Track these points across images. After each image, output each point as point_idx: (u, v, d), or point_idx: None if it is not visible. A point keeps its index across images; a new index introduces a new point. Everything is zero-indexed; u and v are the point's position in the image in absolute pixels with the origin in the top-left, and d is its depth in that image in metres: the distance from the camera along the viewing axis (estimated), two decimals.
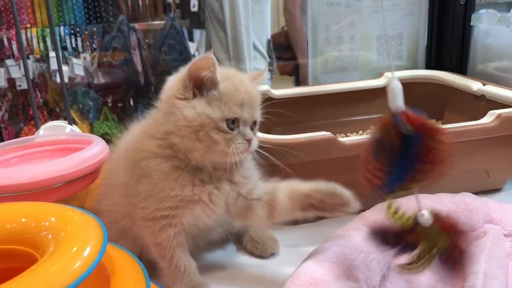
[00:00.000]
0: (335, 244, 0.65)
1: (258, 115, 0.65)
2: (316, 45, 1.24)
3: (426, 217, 0.55)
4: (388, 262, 0.66)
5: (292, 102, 1.07)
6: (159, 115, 0.63)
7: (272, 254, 0.75)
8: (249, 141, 0.62)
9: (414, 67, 1.31)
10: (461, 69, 1.27)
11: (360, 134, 1.11)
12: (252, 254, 0.75)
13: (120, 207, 0.68)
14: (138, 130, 0.69)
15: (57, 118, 2.43)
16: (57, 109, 2.56)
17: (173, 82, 0.63)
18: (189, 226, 0.65)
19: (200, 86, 0.60)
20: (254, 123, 0.65)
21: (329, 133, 0.74)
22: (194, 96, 0.60)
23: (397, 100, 0.58)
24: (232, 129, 0.61)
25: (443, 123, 1.07)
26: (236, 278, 0.70)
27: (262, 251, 0.75)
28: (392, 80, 0.58)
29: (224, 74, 0.62)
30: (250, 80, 0.66)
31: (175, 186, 0.61)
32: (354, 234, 0.67)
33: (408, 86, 1.11)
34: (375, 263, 0.63)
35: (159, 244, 0.64)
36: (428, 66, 1.31)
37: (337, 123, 1.13)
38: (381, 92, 1.13)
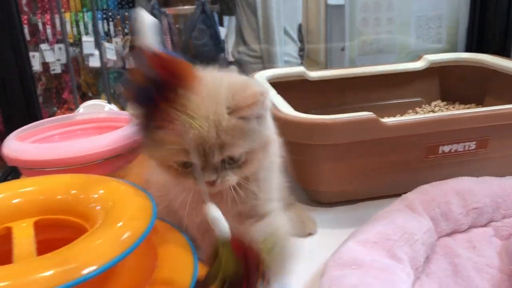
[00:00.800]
0: (377, 225, 0.64)
1: (230, 153, 0.50)
2: (353, 27, 1.22)
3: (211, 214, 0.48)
4: (432, 244, 0.65)
5: (328, 84, 1.06)
6: None
7: (310, 234, 0.74)
8: (210, 184, 0.51)
9: (453, 50, 1.28)
10: (504, 51, 1.22)
11: None
12: None
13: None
14: None
15: None
16: (90, 93, 2.60)
17: None
18: None
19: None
20: (230, 159, 0.51)
21: (371, 113, 0.72)
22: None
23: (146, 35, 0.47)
24: (188, 167, 0.51)
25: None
26: None
27: (300, 231, 0.74)
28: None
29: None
30: (229, 106, 0.50)
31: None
32: (397, 216, 0.66)
33: (447, 69, 1.11)
34: (419, 244, 0.62)
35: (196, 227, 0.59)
36: (468, 49, 1.27)
37: (373, 106, 1.11)
38: (419, 75, 1.11)
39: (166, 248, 0.50)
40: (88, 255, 0.40)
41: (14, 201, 0.49)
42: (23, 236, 0.46)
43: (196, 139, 0.48)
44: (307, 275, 0.63)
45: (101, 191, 0.49)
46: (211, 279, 0.46)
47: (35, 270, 0.38)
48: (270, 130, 0.56)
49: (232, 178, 0.52)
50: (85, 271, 0.38)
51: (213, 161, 0.49)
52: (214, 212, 0.48)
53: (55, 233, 0.50)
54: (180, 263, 0.49)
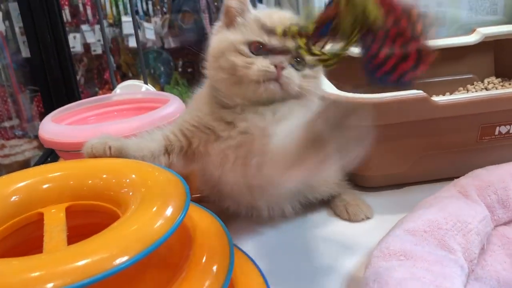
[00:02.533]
0: (427, 212, 0.59)
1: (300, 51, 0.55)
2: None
3: None
4: (488, 234, 0.60)
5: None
6: None
7: (367, 218, 0.70)
8: (277, 67, 0.54)
9: (510, 22, 1.19)
10: None
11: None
12: (340, 217, 0.70)
13: None
14: None
15: None
16: (130, 74, 2.61)
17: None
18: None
19: (231, 20, 0.59)
20: (298, 62, 0.57)
21: (421, 91, 0.67)
22: (229, 27, 0.59)
23: None
24: (255, 54, 0.56)
25: None
26: (318, 241, 0.66)
27: (353, 215, 0.69)
28: None
29: (264, 10, 0.62)
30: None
31: (205, 110, 0.60)
32: (448, 202, 0.61)
33: (503, 43, 1.02)
34: (474, 234, 0.57)
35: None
36: None
37: (422, 83, 1.04)
38: (471, 50, 1.04)
39: (201, 236, 0.48)
40: (120, 245, 0.38)
41: (45, 186, 0.48)
42: (54, 222, 0.45)
43: (279, 19, 0.56)
44: (352, 263, 0.60)
45: (133, 176, 0.47)
46: (342, 26, 0.41)
47: (66, 260, 0.36)
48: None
49: (296, 79, 0.56)
50: (117, 262, 0.36)
51: (289, 50, 0.55)
52: None
53: (87, 219, 0.49)
54: (216, 249, 0.47)
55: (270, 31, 0.54)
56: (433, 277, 0.49)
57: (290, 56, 0.56)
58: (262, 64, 0.54)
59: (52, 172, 0.49)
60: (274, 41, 0.55)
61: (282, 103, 0.57)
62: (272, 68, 0.54)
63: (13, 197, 0.46)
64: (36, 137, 2.28)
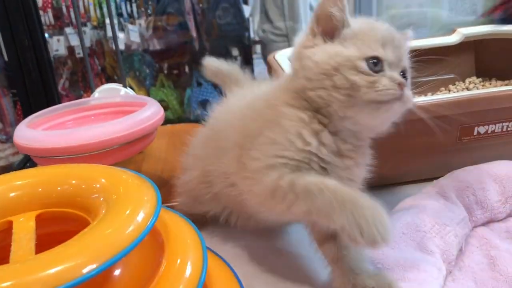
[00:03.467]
0: (405, 214, 0.59)
1: (406, 62, 0.53)
2: (382, 1, 1.15)
3: None
4: (466, 235, 0.60)
5: None
6: (289, 77, 0.55)
7: None
8: (400, 85, 0.49)
9: (490, 22, 1.19)
10: None
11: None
12: None
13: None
14: (257, 96, 0.59)
15: None
16: (115, 77, 2.59)
17: (300, 36, 0.55)
18: None
19: (329, 30, 0.52)
20: (403, 72, 0.52)
21: None
22: (325, 42, 0.52)
23: None
24: (375, 72, 0.49)
25: None
26: (297, 245, 0.66)
27: None
28: None
29: (361, 19, 0.53)
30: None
31: (310, 140, 0.50)
32: (427, 204, 0.61)
33: (483, 43, 1.03)
34: (452, 236, 0.57)
35: (272, 188, 0.50)
36: (506, 21, 1.19)
37: None
38: (452, 51, 1.04)
39: (174, 240, 0.47)
40: (88, 252, 0.37)
41: (13, 193, 0.46)
42: (23, 231, 0.43)
43: (393, 31, 0.52)
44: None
45: (103, 181, 0.46)
46: None
47: (33, 269, 0.35)
48: None
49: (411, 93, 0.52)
50: (86, 270, 0.35)
51: (402, 62, 0.52)
52: None
53: (58, 226, 0.48)
54: (189, 256, 0.46)
55: (385, 43, 0.50)
56: (409, 284, 0.49)
57: (401, 68, 0.52)
58: (387, 83, 0.48)
59: (20, 180, 0.48)
60: (390, 55, 0.50)
61: None
62: (398, 87, 0.49)
63: None
64: None
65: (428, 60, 1.04)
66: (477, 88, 1.01)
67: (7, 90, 2.35)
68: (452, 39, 1.03)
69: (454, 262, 0.55)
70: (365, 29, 0.51)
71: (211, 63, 0.77)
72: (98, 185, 0.46)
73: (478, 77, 1.05)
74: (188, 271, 0.44)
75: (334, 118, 0.51)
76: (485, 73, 1.05)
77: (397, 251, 0.52)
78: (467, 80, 1.05)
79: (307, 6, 2.08)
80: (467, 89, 1.02)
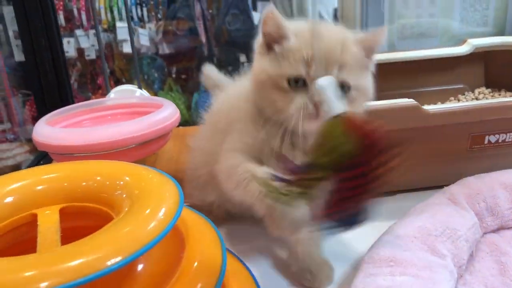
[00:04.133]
0: (417, 219, 0.60)
1: (349, 77, 0.53)
2: (393, 10, 1.17)
3: (322, 83, 0.47)
4: (477, 241, 0.61)
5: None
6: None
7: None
8: (316, 105, 0.50)
9: (501, 33, 1.20)
10: None
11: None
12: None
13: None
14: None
15: None
16: (123, 79, 2.61)
17: (258, 39, 0.59)
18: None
19: (271, 41, 0.55)
20: (341, 86, 0.52)
21: (412, 100, 0.68)
22: (269, 51, 0.55)
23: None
24: (295, 90, 0.52)
25: None
26: None
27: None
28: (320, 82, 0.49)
29: (302, 28, 0.54)
30: (353, 41, 0.55)
31: (263, 132, 0.56)
32: (439, 209, 0.62)
33: (493, 54, 1.04)
34: (463, 241, 0.58)
35: (231, 172, 0.57)
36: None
37: (412, 93, 1.06)
38: (462, 61, 1.05)
39: (194, 237, 0.48)
40: (113, 245, 0.38)
41: (39, 187, 0.48)
42: (48, 224, 0.45)
43: (322, 49, 0.50)
44: (343, 269, 0.60)
45: (127, 178, 0.47)
46: (317, 162, 0.41)
47: (60, 260, 0.36)
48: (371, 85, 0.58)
49: (340, 107, 0.48)
50: (110, 262, 0.36)
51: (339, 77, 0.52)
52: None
53: (81, 221, 0.49)
54: (208, 253, 0.47)
55: (309, 62, 0.51)
56: (422, 283, 0.49)
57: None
58: (300, 102, 0.52)
59: (46, 174, 0.49)
60: (313, 72, 0.51)
61: None
62: (311, 107, 0.51)
63: (7, 198, 0.46)
64: (28, 141, 2.27)
65: (438, 70, 1.06)
66: (486, 98, 1.02)
67: (16, 91, 2.38)
68: (462, 49, 1.04)
69: (465, 267, 0.56)
70: (294, 47, 0.53)
71: (211, 73, 0.80)
72: (121, 182, 0.47)
73: (487, 87, 1.07)
74: (207, 270, 0.45)
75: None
76: (495, 83, 1.06)
77: (410, 253, 0.53)
78: (476, 90, 1.06)
79: (316, 15, 2.09)
80: (476, 99, 1.03)
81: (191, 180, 0.70)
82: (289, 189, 0.43)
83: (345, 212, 0.43)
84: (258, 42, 0.58)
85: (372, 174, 0.41)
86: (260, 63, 0.56)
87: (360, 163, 0.41)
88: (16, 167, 2.07)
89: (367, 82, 0.57)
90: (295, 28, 0.54)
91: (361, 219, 0.44)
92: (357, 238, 0.67)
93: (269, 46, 0.55)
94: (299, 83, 0.52)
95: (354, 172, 0.41)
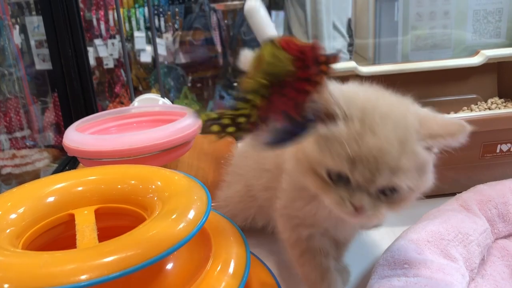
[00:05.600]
0: (430, 224, 0.63)
1: (398, 182, 0.43)
2: (407, 21, 1.19)
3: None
4: (488, 246, 0.63)
5: (380, 80, 1.03)
6: None
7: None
8: (358, 209, 0.43)
9: None
10: None
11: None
12: None
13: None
14: None
15: None
16: (140, 88, 2.67)
17: None
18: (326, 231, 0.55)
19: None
20: (390, 190, 0.44)
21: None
22: None
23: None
24: (335, 182, 0.44)
25: None
26: None
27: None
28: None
29: (354, 105, 0.44)
30: (418, 135, 0.44)
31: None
32: (451, 215, 0.64)
33: (506, 65, 1.06)
34: (474, 245, 0.60)
35: (288, 242, 0.56)
36: None
37: (426, 103, 1.08)
38: (475, 72, 1.07)
39: (220, 239, 0.51)
40: (147, 244, 0.41)
41: (77, 189, 0.51)
42: (85, 223, 0.48)
43: (373, 149, 0.41)
44: (358, 273, 0.63)
45: (159, 182, 0.51)
46: (252, 85, 0.39)
47: (98, 255, 0.40)
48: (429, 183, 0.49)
49: (382, 213, 0.44)
50: (144, 258, 0.40)
51: (375, 184, 0.43)
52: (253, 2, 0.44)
53: (115, 221, 0.52)
54: (233, 254, 0.50)
55: (355, 161, 0.42)
56: (435, 284, 0.52)
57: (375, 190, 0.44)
58: (337, 198, 0.44)
59: (84, 177, 0.53)
60: (357, 175, 0.42)
61: None
62: (349, 207, 0.44)
63: (48, 199, 0.50)
64: (47, 147, 2.32)
65: (451, 80, 1.08)
66: (499, 108, 1.04)
67: (36, 98, 2.43)
68: (475, 60, 1.06)
69: (476, 270, 0.59)
70: (340, 136, 0.43)
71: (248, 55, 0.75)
72: (153, 186, 0.51)
73: (500, 97, 1.09)
74: (232, 269, 0.48)
75: None
76: (507, 94, 1.08)
77: (423, 256, 0.56)
78: (489, 101, 1.08)
79: (330, 25, 2.12)
80: (489, 109, 1.05)
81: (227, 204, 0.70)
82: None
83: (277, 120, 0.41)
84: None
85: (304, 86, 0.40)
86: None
87: (295, 79, 0.39)
88: (35, 173, 2.12)
89: (426, 183, 0.48)
90: (346, 102, 0.44)
91: (297, 130, 0.41)
92: (375, 242, 0.70)
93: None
94: (341, 178, 0.44)
95: (287, 90, 0.40)
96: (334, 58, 0.40)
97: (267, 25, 0.43)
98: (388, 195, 0.44)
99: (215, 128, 0.41)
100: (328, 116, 0.43)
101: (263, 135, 0.41)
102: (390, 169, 0.42)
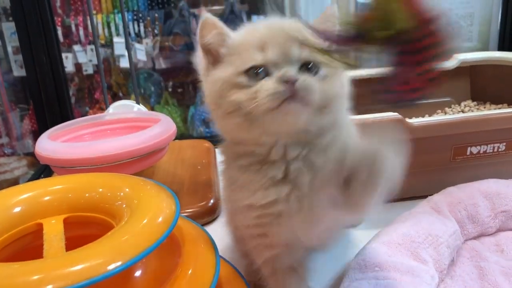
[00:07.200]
0: (401, 226, 0.63)
1: (307, 53, 0.45)
2: None
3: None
4: (458, 247, 0.64)
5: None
6: None
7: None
8: (288, 82, 0.43)
9: (485, 48, 1.25)
10: None
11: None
12: None
13: None
14: None
15: None
16: (120, 94, 2.65)
17: (199, 62, 0.52)
18: (289, 246, 0.52)
19: (215, 55, 0.49)
20: (307, 64, 0.46)
21: (396, 113, 0.72)
22: (215, 64, 0.49)
23: None
24: (256, 80, 0.45)
25: None
26: None
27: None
28: None
29: (245, 27, 0.50)
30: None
31: (246, 194, 0.49)
32: (422, 217, 0.65)
33: (478, 69, 1.08)
34: (444, 247, 0.61)
35: (259, 263, 0.54)
36: (501, 48, 1.24)
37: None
38: (448, 75, 1.09)
39: (189, 245, 0.51)
40: (114, 251, 0.41)
41: (45, 198, 0.51)
42: (53, 232, 0.48)
43: (273, 30, 0.46)
44: (330, 275, 0.63)
45: (127, 190, 0.51)
46: (371, 32, 0.37)
47: (64, 265, 0.39)
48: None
49: (314, 84, 0.44)
50: (111, 267, 0.39)
51: (290, 55, 0.45)
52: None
53: (83, 230, 0.52)
54: (203, 261, 0.50)
55: (264, 46, 0.45)
56: (404, 285, 0.53)
57: (297, 65, 0.45)
58: (269, 87, 0.44)
59: (51, 186, 0.52)
60: (272, 55, 0.45)
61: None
62: (281, 86, 0.43)
63: (15, 209, 0.49)
64: (26, 155, 2.29)
65: None
66: (472, 111, 1.06)
67: (14, 105, 2.40)
68: (448, 64, 1.08)
69: (446, 271, 0.60)
70: (241, 40, 0.47)
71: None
72: (122, 193, 0.50)
73: (473, 100, 1.11)
74: (202, 273, 0.48)
75: (246, 146, 0.49)
76: (480, 97, 1.10)
77: (394, 258, 0.57)
78: (462, 103, 1.10)
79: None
80: (463, 111, 1.07)
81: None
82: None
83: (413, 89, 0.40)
84: (201, 64, 0.51)
85: (430, 51, 0.38)
86: (211, 78, 0.48)
87: (417, 39, 0.38)
88: (14, 181, 2.09)
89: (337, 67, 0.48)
90: (236, 32, 0.49)
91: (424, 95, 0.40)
92: (346, 245, 0.70)
93: (214, 59, 0.49)
94: (260, 74, 0.45)
95: (413, 47, 0.38)
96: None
97: None
98: (312, 71, 0.46)
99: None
100: (224, 39, 0.48)
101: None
102: (296, 40, 0.45)
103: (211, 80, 0.48)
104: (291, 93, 0.43)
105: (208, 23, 0.48)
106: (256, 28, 0.48)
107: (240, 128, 0.47)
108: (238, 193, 0.50)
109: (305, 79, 0.44)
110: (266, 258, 0.53)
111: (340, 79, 0.49)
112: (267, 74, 0.45)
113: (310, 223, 0.49)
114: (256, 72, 0.45)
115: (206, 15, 0.48)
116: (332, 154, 0.47)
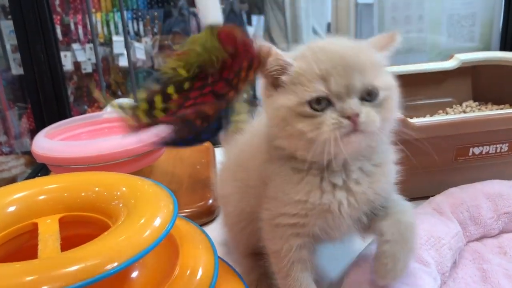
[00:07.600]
0: None
1: (371, 81, 0.46)
2: (382, 25, 1.20)
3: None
4: (460, 249, 0.63)
5: None
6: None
7: None
8: (351, 118, 0.45)
9: (487, 49, 1.24)
10: None
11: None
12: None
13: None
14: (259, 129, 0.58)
15: None
16: (119, 92, 2.64)
17: (261, 83, 0.53)
18: (316, 239, 0.54)
19: (275, 77, 0.49)
20: (369, 93, 0.47)
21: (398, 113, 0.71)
22: (277, 88, 0.50)
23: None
24: (320, 110, 0.46)
25: None
26: None
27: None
28: None
29: (302, 50, 0.50)
30: (366, 45, 0.50)
31: (299, 190, 0.50)
32: (424, 219, 0.64)
33: (480, 69, 1.07)
34: (446, 249, 0.60)
35: (277, 253, 0.54)
36: (502, 48, 1.23)
37: (404, 106, 1.09)
38: (450, 75, 1.08)
39: (188, 246, 0.50)
40: (110, 252, 0.40)
41: (40, 197, 0.50)
42: (48, 232, 0.47)
43: (334, 56, 0.46)
44: (332, 277, 0.63)
45: (124, 189, 0.50)
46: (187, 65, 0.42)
47: (60, 265, 0.38)
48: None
49: (375, 116, 0.46)
50: (107, 267, 0.39)
51: (353, 87, 0.45)
52: None
53: (79, 229, 0.51)
54: (201, 261, 0.49)
55: (326, 76, 0.46)
56: None
57: (359, 95, 0.46)
58: (330, 119, 0.45)
59: (47, 185, 0.51)
60: (335, 87, 0.46)
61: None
62: (345, 121, 0.45)
63: (10, 208, 0.48)
64: (24, 153, 2.28)
65: (426, 84, 1.09)
66: (474, 112, 1.05)
67: (13, 104, 2.39)
68: (450, 64, 1.07)
69: (448, 273, 0.59)
70: (304, 69, 0.47)
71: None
72: (118, 192, 0.50)
73: (474, 101, 1.10)
74: (199, 275, 0.47)
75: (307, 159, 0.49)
76: (482, 97, 1.09)
77: None
78: (464, 104, 1.09)
79: (310, 29, 2.13)
80: (464, 112, 1.06)
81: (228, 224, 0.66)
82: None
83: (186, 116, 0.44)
84: (261, 85, 0.52)
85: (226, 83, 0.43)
86: (273, 103, 0.49)
87: (218, 78, 0.42)
88: (12, 180, 2.08)
89: (391, 79, 0.51)
90: (293, 55, 0.49)
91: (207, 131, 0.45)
92: (347, 246, 0.69)
93: (274, 84, 0.50)
94: (322, 104, 0.46)
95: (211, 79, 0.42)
96: (266, 53, 0.43)
97: (214, 8, 0.45)
98: (371, 101, 0.47)
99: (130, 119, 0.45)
100: (285, 67, 0.48)
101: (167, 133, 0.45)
102: (357, 68, 0.46)
103: (274, 105, 0.49)
104: (354, 128, 0.45)
105: (271, 54, 0.48)
106: (318, 56, 0.47)
107: (302, 148, 0.48)
108: (282, 186, 0.51)
109: (367, 112, 0.46)
110: (287, 247, 0.53)
111: (396, 99, 0.52)
112: (329, 103, 0.46)
113: (350, 224, 0.52)
114: (317, 102, 0.46)
115: (267, 45, 0.48)
116: (385, 168, 0.54)
